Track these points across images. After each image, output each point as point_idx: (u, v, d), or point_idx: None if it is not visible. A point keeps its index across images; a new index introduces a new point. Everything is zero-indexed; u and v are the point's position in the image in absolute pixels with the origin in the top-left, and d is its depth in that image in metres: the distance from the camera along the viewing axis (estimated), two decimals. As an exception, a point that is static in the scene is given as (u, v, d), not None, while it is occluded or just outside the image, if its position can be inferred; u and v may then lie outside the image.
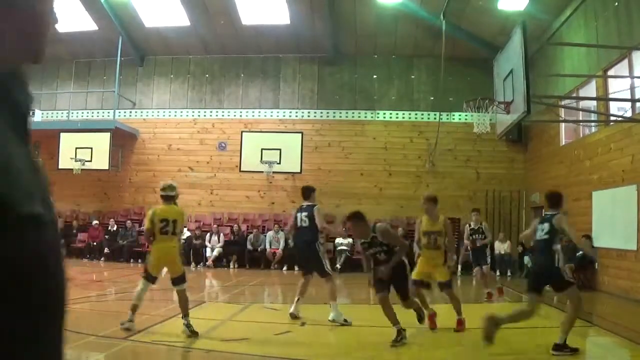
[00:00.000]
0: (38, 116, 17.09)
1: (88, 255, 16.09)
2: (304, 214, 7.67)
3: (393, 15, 14.00)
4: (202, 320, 7.59)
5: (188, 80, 17.52)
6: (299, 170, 15.42)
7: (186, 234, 14.92)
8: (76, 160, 16.05)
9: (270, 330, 6.95)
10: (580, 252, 10.72)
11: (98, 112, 17.43)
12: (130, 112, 17.52)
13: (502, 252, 14.07)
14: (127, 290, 11.09)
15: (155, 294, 11.00)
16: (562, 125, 12.16)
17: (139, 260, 15.27)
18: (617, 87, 10.49)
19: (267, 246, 14.83)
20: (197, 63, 17.32)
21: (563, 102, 11.19)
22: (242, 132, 15.94)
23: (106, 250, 15.87)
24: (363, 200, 15.54)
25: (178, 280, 6.22)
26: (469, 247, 10.06)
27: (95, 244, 16.20)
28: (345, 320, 6.84)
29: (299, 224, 7.43)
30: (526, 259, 12.64)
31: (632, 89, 9.84)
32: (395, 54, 15.78)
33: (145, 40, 16.87)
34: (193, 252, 15.07)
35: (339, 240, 14.04)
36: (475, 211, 10.19)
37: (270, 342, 6.32)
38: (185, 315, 6.11)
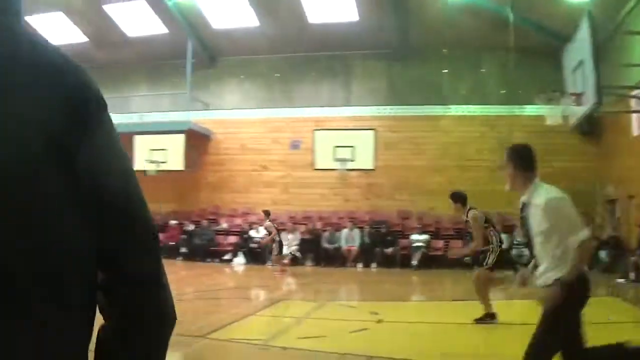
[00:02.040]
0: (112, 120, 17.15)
1: (166, 255, 16.35)
2: None
3: (460, 8, 15.15)
4: (279, 318, 8.04)
5: (259, 80, 18.76)
6: (372, 167, 16.34)
7: (262, 232, 16.19)
8: (151, 162, 17.28)
9: (346, 327, 7.04)
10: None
11: (171, 114, 18.74)
12: (203, 113, 18.83)
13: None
14: (204, 289, 11.78)
15: (233, 292, 11.82)
16: (634, 115, 12.76)
17: (216, 259, 16.78)
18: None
19: (343, 244, 15.85)
20: (267, 63, 18.54)
21: (634, 92, 10.84)
22: (314, 130, 17.08)
23: (183, 249, 17.01)
24: (437, 196, 16.36)
25: None
26: None
27: (172, 243, 17.24)
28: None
29: None
30: (602, 253, 13.14)
31: None
32: (464, 47, 16.72)
33: (214, 41, 18.38)
34: (269, 251, 16.02)
35: (414, 236, 14.03)
36: None
37: (346, 340, 6.41)
38: None
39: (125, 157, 0.95)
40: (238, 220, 17.52)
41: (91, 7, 16.99)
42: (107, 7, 16.89)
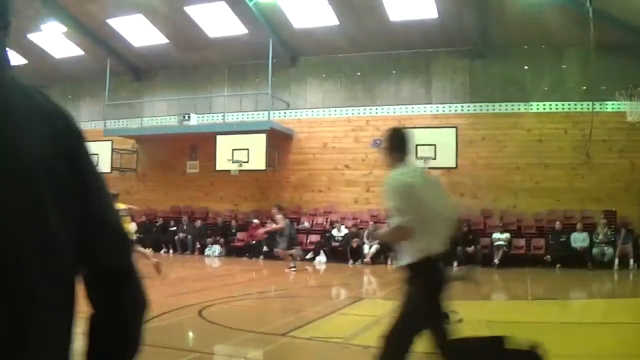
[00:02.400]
0: (194, 120, 20.24)
1: (247, 254, 18.22)
2: None
3: (540, 4, 15.66)
4: (360, 317, 8.27)
5: (340, 79, 19.54)
6: (454, 165, 16.86)
7: (344, 231, 17.27)
8: (233, 162, 18.14)
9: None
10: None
11: (253, 114, 19.87)
12: (285, 112, 19.76)
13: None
14: (285, 287, 12.38)
15: (314, 291, 12.22)
16: None
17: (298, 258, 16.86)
18: None
19: None
20: (348, 61, 19.35)
21: None
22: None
23: (265, 248, 17.65)
24: (519, 194, 17.32)
25: None
26: None
27: (254, 243, 18.08)
28: None
29: None
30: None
31: None
32: (544, 43, 17.19)
33: (295, 41, 19.24)
34: (350, 249, 16.87)
35: (496, 235, 13.92)
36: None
37: (427, 338, 6.15)
38: None
39: (102, 177, 1.16)
40: (320, 219, 18.52)
41: (172, 9, 18.18)
42: (188, 9, 18.15)
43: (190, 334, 7.64)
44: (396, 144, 4.11)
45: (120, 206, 13.13)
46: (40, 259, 0.95)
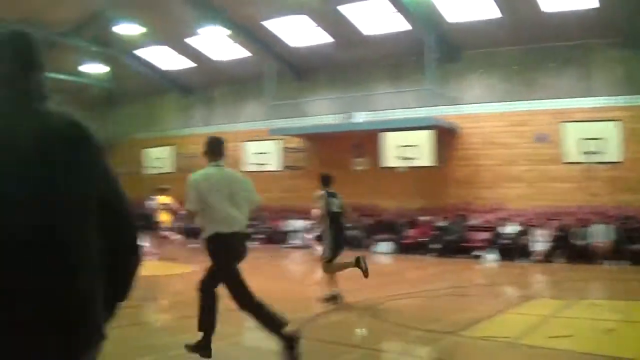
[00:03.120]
0: (358, 117, 22.07)
1: (417, 251, 19.48)
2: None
3: None
4: (529, 316, 8.44)
5: (499, 73, 20.44)
6: (619, 160, 17.12)
7: (513, 228, 17.87)
8: (400, 159, 19.70)
9: (596, 327, 7.43)
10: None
11: (416, 110, 21.13)
12: (448, 108, 20.81)
13: None
14: (454, 285, 12.71)
15: (483, 289, 12.54)
16: None
17: (466, 256, 18.21)
18: None
19: (592, 240, 16.74)
20: (508, 55, 20.27)
21: None
22: (558, 122, 18.46)
23: (434, 246, 19.06)
24: None
25: None
26: None
27: (423, 240, 19.51)
28: None
29: None
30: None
31: None
32: None
33: (455, 36, 20.44)
34: (520, 247, 17.42)
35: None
36: None
37: (595, 340, 6.77)
38: None
39: (117, 178, 1.91)
40: (488, 216, 20.07)
41: (330, 8, 20.39)
42: (343, 8, 20.19)
43: (359, 330, 8.20)
44: (208, 149, 6.16)
45: (165, 200, 17.84)
46: (80, 224, 1.77)
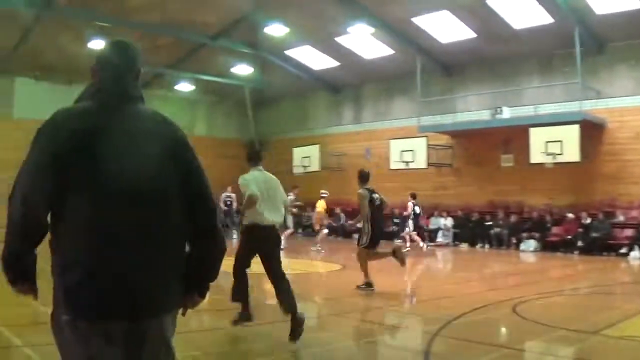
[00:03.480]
0: (507, 113, 23.80)
1: (562, 249, 21.21)
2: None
3: None
4: None
5: None
6: None
7: None
8: (547, 154, 21.30)
9: None
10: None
11: (564, 105, 22.46)
12: (595, 102, 22.26)
13: None
14: (599, 284, 13.79)
15: (629, 288, 13.45)
16: None
17: (612, 253, 19.61)
18: None
19: None
20: None
21: None
22: None
23: (580, 243, 20.73)
24: None
25: None
26: None
27: (569, 237, 21.18)
28: None
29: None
30: None
31: None
32: None
33: (602, 27, 21.77)
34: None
35: None
36: None
37: None
38: None
39: (201, 165, 2.75)
40: (634, 213, 21.42)
41: (476, 3, 22.37)
42: (491, 2, 22.18)
43: (503, 329, 8.77)
44: (251, 156, 7.95)
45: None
46: (170, 202, 2.57)
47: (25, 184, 2.45)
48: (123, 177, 2.47)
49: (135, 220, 2.49)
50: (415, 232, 21.68)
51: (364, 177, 11.98)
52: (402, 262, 11.89)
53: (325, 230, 22.72)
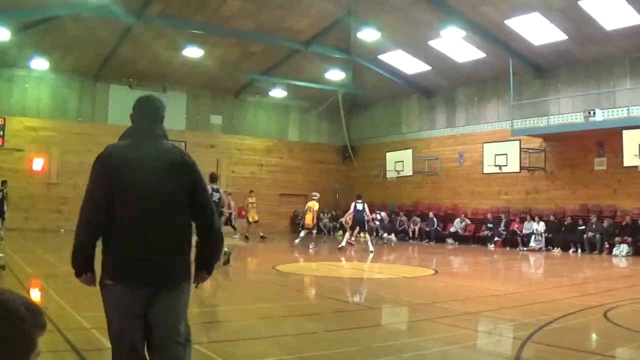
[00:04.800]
0: (599, 115, 24.08)
1: None
2: None
3: None
4: None
5: None
6: None
7: None
8: (638, 157, 21.32)
9: None
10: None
11: None
12: None
13: None
14: None
15: None
16: None
17: None
18: None
19: None
20: None
21: None
22: None
23: None
24: None
25: None
26: None
27: None
28: None
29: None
30: None
31: None
32: None
33: None
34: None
35: None
36: None
37: None
38: None
39: (205, 183, 4.38)
40: None
41: (568, 5, 22.65)
42: (583, 3, 22.38)
43: (594, 335, 8.72)
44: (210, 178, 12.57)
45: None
46: (181, 207, 4.09)
47: (91, 198, 3.89)
48: (149, 187, 3.88)
49: (157, 216, 3.87)
50: (357, 231, 24.17)
51: (212, 178, 14.84)
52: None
53: (315, 230, 25.37)
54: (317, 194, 25.32)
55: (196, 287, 4.19)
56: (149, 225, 3.88)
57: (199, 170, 4.27)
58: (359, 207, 24.10)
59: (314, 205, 24.66)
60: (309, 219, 24.67)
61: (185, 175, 4.09)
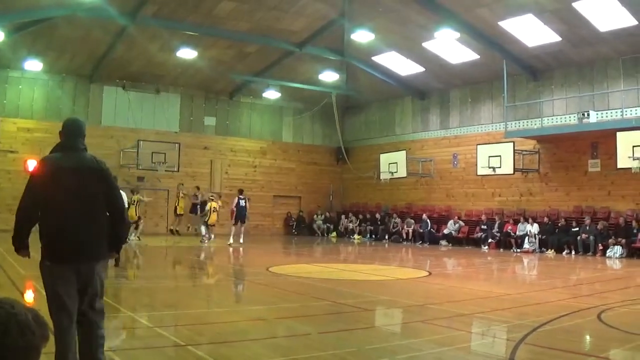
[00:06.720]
0: (593, 117, 24.30)
1: None
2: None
3: None
4: None
5: None
6: None
7: None
8: (634, 159, 21.53)
9: None
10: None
11: None
12: None
13: None
14: None
15: None
16: None
17: None
18: None
19: None
20: None
21: None
22: None
23: None
24: None
25: None
26: None
27: None
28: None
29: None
30: None
31: None
32: None
33: None
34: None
35: None
36: None
37: None
38: None
39: (117, 186, 5.95)
40: None
41: (562, 6, 22.64)
42: (577, 5, 22.38)
43: (588, 337, 8.76)
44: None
45: (142, 198, 26.10)
46: (98, 202, 5.58)
47: (26, 199, 5.20)
48: (72, 188, 5.21)
49: (79, 209, 5.22)
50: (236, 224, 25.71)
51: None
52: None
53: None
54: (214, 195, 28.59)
55: (116, 264, 6.87)
56: (73, 217, 5.21)
57: (111, 174, 5.71)
58: (242, 203, 26.17)
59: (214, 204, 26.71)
60: (213, 219, 25.92)
61: (101, 179, 5.46)
